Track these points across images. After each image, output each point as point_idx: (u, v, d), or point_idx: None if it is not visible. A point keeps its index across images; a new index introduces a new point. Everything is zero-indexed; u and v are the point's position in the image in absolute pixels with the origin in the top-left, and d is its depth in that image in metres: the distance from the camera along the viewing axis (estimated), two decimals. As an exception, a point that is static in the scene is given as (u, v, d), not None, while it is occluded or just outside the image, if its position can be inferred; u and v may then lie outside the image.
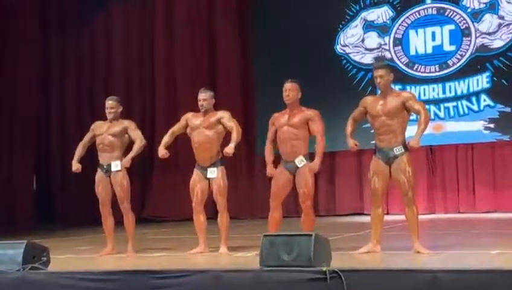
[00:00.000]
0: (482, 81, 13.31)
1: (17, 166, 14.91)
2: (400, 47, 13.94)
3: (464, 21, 13.53)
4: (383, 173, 6.96)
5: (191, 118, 8.02)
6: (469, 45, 13.46)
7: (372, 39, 14.14)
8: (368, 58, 14.05)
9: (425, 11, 13.84)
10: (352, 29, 14.27)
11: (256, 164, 14.34)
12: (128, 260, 7.68)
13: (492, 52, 13.29)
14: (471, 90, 13.38)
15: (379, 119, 6.98)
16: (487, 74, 13.27)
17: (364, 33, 14.18)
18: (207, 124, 7.87)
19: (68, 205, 15.64)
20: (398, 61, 13.86)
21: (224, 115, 7.92)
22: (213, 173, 7.83)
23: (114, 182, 8.03)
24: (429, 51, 13.78)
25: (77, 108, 15.81)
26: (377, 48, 14.10)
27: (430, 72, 13.70)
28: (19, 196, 14.87)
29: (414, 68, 13.78)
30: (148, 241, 9.55)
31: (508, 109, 13.06)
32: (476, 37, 13.43)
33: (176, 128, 8.09)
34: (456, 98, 13.48)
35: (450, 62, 13.57)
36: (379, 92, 7.18)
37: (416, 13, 13.87)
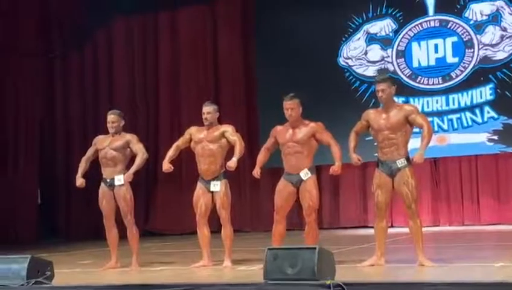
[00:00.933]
0: (485, 93, 13.32)
1: (21, 180, 14.92)
2: (402, 59, 13.96)
3: (467, 33, 13.55)
4: (386, 186, 6.96)
5: (194, 132, 8.04)
6: (472, 57, 13.47)
7: (375, 52, 14.16)
8: (370, 71, 14.07)
9: (428, 23, 13.86)
10: (355, 41, 14.30)
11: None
12: (132, 273, 7.67)
13: (496, 64, 13.30)
14: (474, 102, 13.38)
15: (382, 133, 6.98)
16: (490, 85, 13.28)
17: (367, 46, 14.21)
18: (211, 138, 7.89)
19: (72, 219, 15.64)
20: (401, 74, 13.87)
21: (227, 129, 7.94)
22: (216, 186, 7.84)
23: (117, 196, 8.04)
24: (432, 63, 13.79)
25: (81, 122, 15.82)
26: (380, 61, 14.12)
27: (433, 84, 13.71)
28: (23, 210, 14.86)
29: (417, 80, 13.80)
30: (152, 255, 9.54)
31: (511, 121, 13.05)
32: (479, 49, 13.44)
33: (180, 142, 8.11)
34: (460, 110, 13.48)
35: (453, 74, 13.58)
36: (381, 104, 7.18)
37: (419, 25, 13.90)
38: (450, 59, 13.66)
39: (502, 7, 13.38)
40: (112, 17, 15.90)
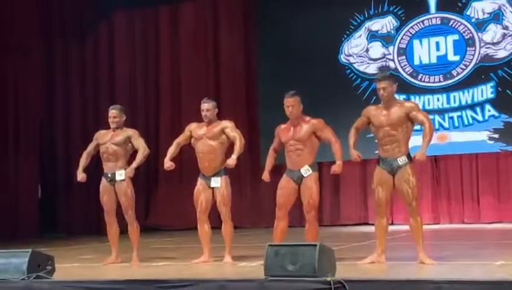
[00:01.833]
0: (486, 91, 13.32)
1: (21, 175, 14.93)
2: (404, 57, 13.97)
3: (468, 31, 13.55)
4: (386, 183, 6.96)
5: (194, 129, 8.04)
6: (473, 55, 13.48)
7: (376, 49, 14.16)
8: (372, 68, 14.07)
9: (430, 21, 13.86)
10: (356, 39, 14.30)
11: (260, 173, 14.09)
12: (133, 268, 7.69)
13: (497, 62, 13.31)
14: (475, 100, 13.39)
15: (382, 129, 6.98)
16: (491, 84, 13.29)
17: (369, 43, 14.21)
18: (211, 134, 7.89)
19: (73, 214, 15.65)
20: (402, 71, 13.88)
21: (227, 125, 7.94)
22: (217, 182, 7.84)
23: (118, 191, 8.04)
24: (433, 60, 13.80)
25: (82, 117, 15.83)
26: (381, 58, 14.12)
27: (434, 82, 13.71)
28: (24, 205, 14.87)
29: (418, 78, 13.80)
30: (153, 251, 9.56)
31: (512, 119, 13.07)
32: (480, 47, 13.45)
33: (181, 139, 8.11)
34: (461, 108, 13.49)
35: (454, 72, 13.58)
36: (382, 102, 7.17)
37: (421, 23, 13.90)
38: (451, 57, 13.66)
39: (503, 5, 13.39)
40: (113, 12, 15.89)
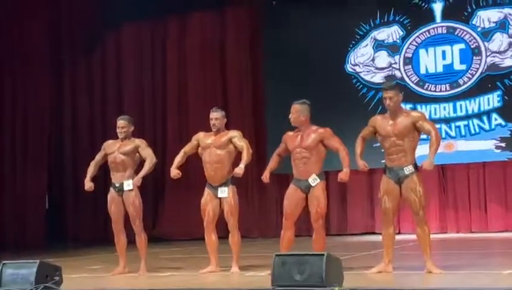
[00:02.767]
0: (493, 100, 13.32)
1: (29, 185, 14.98)
2: (410, 66, 13.98)
3: (474, 40, 13.55)
4: (393, 193, 6.96)
5: (202, 138, 8.06)
6: (479, 64, 13.48)
7: (383, 58, 14.17)
8: (378, 78, 14.08)
9: (436, 30, 13.88)
10: (363, 48, 14.31)
11: (267, 183, 14.32)
12: (141, 279, 7.69)
13: (503, 71, 13.30)
14: (482, 109, 13.38)
15: (389, 139, 6.98)
16: (498, 92, 13.28)
17: (375, 52, 14.22)
18: (218, 144, 7.90)
19: (80, 224, 15.68)
20: (408, 80, 13.88)
21: (235, 134, 7.96)
22: (224, 192, 7.85)
23: (126, 201, 8.06)
24: (440, 70, 13.80)
25: (90, 128, 15.89)
26: (387, 67, 14.13)
27: (440, 91, 13.71)
28: (32, 215, 14.92)
29: (425, 87, 13.80)
30: (160, 261, 9.56)
31: (519, 128, 13.06)
32: (486, 56, 13.45)
33: (188, 148, 8.13)
34: (467, 117, 13.48)
35: (460, 81, 13.58)
36: (388, 111, 7.17)
37: (426, 32, 13.91)
38: (458, 66, 13.67)
39: (509, 14, 13.39)
40: (120, 24, 15.96)
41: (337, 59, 14.30)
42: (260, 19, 15.17)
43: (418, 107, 13.28)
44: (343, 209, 14.46)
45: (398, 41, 14.10)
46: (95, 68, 16.19)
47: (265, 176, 7.56)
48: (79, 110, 16.10)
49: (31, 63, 14.94)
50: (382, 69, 14.17)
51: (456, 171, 13.80)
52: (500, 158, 13.24)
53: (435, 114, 13.55)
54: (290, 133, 7.54)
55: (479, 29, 13.55)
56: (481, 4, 13.53)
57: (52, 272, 6.39)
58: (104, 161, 8.32)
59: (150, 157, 8.08)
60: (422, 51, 13.93)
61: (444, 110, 13.62)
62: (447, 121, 13.56)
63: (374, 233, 13.44)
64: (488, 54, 13.44)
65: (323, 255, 5.50)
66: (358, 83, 14.25)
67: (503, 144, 13.16)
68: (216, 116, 7.97)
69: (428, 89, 13.78)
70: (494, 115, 13.27)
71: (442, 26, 13.83)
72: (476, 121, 13.41)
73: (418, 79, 13.88)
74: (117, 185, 8.10)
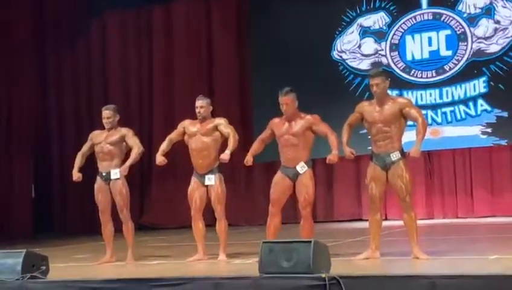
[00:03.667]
0: (478, 86, 13.35)
1: (15, 175, 14.91)
2: (396, 52, 13.98)
3: (460, 26, 13.57)
4: (380, 179, 6.97)
5: (188, 125, 8.04)
6: (465, 50, 13.49)
7: (369, 45, 14.16)
8: (364, 64, 14.08)
9: (422, 16, 13.88)
10: (349, 35, 14.30)
11: (254, 171, 14.35)
12: (128, 267, 7.69)
13: (489, 56, 13.32)
14: (468, 95, 13.41)
15: (376, 125, 6.98)
16: (484, 78, 13.31)
17: (361, 39, 14.21)
18: (204, 131, 7.89)
19: (67, 214, 15.64)
20: (394, 67, 13.89)
21: (221, 122, 7.94)
22: (211, 180, 7.84)
23: (113, 190, 8.04)
24: (426, 56, 13.81)
25: (76, 117, 15.81)
26: (374, 54, 14.12)
27: (426, 77, 13.73)
28: (17, 205, 14.86)
29: (411, 73, 13.81)
30: (147, 249, 9.56)
31: (505, 114, 13.07)
32: (472, 42, 13.46)
33: (173, 135, 8.11)
34: (453, 103, 13.50)
35: (446, 67, 13.60)
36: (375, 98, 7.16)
37: (413, 18, 13.91)
38: (444, 52, 13.68)
39: (495, 0, 13.39)
40: (105, 12, 15.86)
41: (323, 46, 14.28)
42: (246, 6, 15.12)
43: (405, 93, 13.29)
44: (330, 196, 14.49)
45: (384, 27, 14.09)
46: (80, 56, 16.08)
47: (248, 160, 7.54)
48: (64, 99, 16.02)
49: (14, 51, 14.82)
50: (368, 55, 14.16)
51: (442, 157, 13.85)
52: (486, 144, 13.29)
53: (421, 100, 13.57)
54: (277, 120, 7.53)
55: (465, 15, 13.56)
56: (467, -10, 13.55)
57: (38, 261, 6.37)
58: (91, 151, 8.31)
59: (136, 146, 8.07)
60: (408, 38, 13.92)
61: (430, 96, 13.64)
62: (433, 107, 13.58)
63: (360, 220, 13.48)
64: (474, 39, 13.45)
65: (310, 242, 5.50)
66: (345, 70, 14.24)
67: (489, 130, 13.20)
68: (201, 104, 7.95)
69: (415, 75, 13.79)
70: (480, 101, 13.30)
71: (428, 13, 13.83)
72: (462, 107, 13.44)
73: (404, 65, 13.89)
74: (104, 173, 8.08)
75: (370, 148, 7.14)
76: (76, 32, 15.97)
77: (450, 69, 13.56)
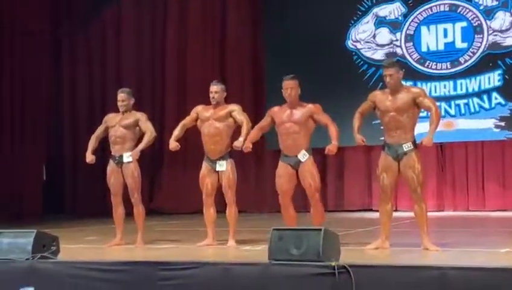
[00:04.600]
0: (493, 79, 13.27)
1: (27, 156, 14.96)
2: (411, 43, 13.91)
3: (476, 18, 13.48)
4: (391, 169, 6.94)
5: (201, 111, 8.03)
6: (481, 42, 13.41)
7: (384, 35, 14.10)
8: (379, 54, 14.02)
9: (438, 7, 13.80)
10: (364, 24, 14.24)
11: (265, 158, 14.36)
12: (137, 251, 7.71)
13: (505, 50, 13.25)
14: (482, 87, 13.34)
15: (388, 114, 6.94)
16: (499, 71, 13.24)
17: (376, 29, 14.15)
18: (217, 117, 7.88)
19: (77, 196, 15.70)
20: (409, 58, 13.83)
21: (235, 108, 7.93)
22: (222, 166, 7.84)
23: (125, 173, 8.06)
24: (441, 47, 13.74)
25: (88, 99, 15.84)
26: (388, 44, 14.06)
27: (441, 69, 13.66)
28: (29, 186, 14.92)
29: (425, 65, 13.75)
30: (157, 233, 9.58)
31: (519, 107, 13.03)
32: (488, 35, 13.38)
33: (187, 121, 8.10)
34: (467, 95, 13.44)
35: (461, 59, 13.53)
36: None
37: (429, 9, 13.83)
38: (459, 44, 13.61)
39: (512, -7, 13.31)
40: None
41: (338, 35, 14.23)
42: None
43: (419, 84, 13.19)
44: (340, 186, 14.48)
45: (399, 18, 14.02)
46: (94, 41, 16.09)
47: (247, 146, 7.54)
48: (78, 83, 16.04)
49: (29, 36, 14.85)
50: (383, 46, 14.11)
51: (455, 150, 13.80)
52: (499, 137, 13.23)
53: (435, 92, 13.51)
54: (276, 108, 7.56)
55: (481, 7, 13.47)
56: (484, -18, 13.46)
57: (49, 241, 6.40)
58: (105, 134, 8.32)
59: (149, 131, 8.07)
60: (423, 28, 13.86)
61: (444, 88, 13.58)
62: (447, 99, 13.53)
63: (371, 210, 13.46)
64: (489, 32, 13.37)
65: (320, 230, 5.50)
66: (359, 60, 14.19)
67: (502, 123, 13.14)
68: (216, 89, 7.94)
69: (429, 66, 13.73)
70: (494, 94, 13.23)
71: (444, 4, 13.75)
72: (476, 100, 13.37)
73: (419, 56, 13.82)
74: (117, 157, 8.10)
75: (382, 139, 7.11)
76: (90, 15, 15.97)
77: (465, 61, 13.48)
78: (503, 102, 13.17)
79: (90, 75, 16.03)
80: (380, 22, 14.13)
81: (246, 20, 15.26)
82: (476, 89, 13.37)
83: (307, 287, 5.28)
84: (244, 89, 14.88)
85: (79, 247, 8.03)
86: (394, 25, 14.05)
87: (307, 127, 7.36)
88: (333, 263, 5.25)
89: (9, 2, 14.60)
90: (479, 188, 13.51)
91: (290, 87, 7.38)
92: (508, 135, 13.14)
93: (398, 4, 14.03)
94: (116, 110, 8.26)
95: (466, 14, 13.56)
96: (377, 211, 7.28)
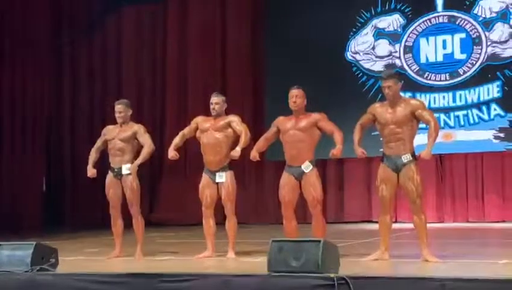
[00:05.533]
0: (492, 90, 13.29)
1: (27, 167, 14.96)
2: (410, 55, 13.94)
3: (475, 30, 13.51)
4: (390, 181, 6.95)
5: (201, 122, 8.05)
6: (480, 54, 13.44)
7: (383, 47, 14.13)
8: (378, 66, 14.04)
9: (437, 19, 13.83)
10: (363, 36, 14.27)
11: (265, 169, 14.35)
12: (137, 263, 7.69)
13: (504, 61, 13.26)
14: (481, 99, 13.36)
15: (388, 127, 6.96)
16: (498, 83, 13.25)
17: (375, 40, 14.18)
18: (217, 127, 7.89)
19: (77, 208, 15.68)
20: (408, 69, 13.85)
21: (234, 119, 7.94)
22: (222, 177, 7.84)
23: (124, 185, 8.05)
24: (440, 59, 13.76)
25: (89, 111, 15.85)
26: (388, 56, 14.09)
27: (440, 80, 13.68)
28: (29, 198, 14.91)
29: (424, 76, 13.77)
30: (156, 245, 9.57)
31: (518, 119, 13.04)
32: (487, 46, 13.41)
33: (186, 131, 8.12)
34: (467, 106, 13.45)
35: (460, 71, 13.55)
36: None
37: (428, 21, 13.87)
38: (458, 55, 13.63)
39: (511, 4, 13.34)
40: (121, 6, 15.90)
41: (337, 46, 14.26)
42: (262, 3, 15.11)
43: (418, 96, 13.25)
44: (340, 197, 14.47)
45: (398, 29, 14.05)
46: (95, 51, 16.13)
47: (255, 155, 7.57)
48: (79, 93, 16.05)
49: (30, 45, 14.89)
50: (382, 57, 14.13)
51: (454, 161, 13.80)
52: (499, 149, 13.23)
53: (434, 103, 13.52)
54: (281, 118, 7.60)
55: (480, 18, 13.51)
56: (483, -7, 13.50)
57: (48, 254, 6.39)
58: (104, 146, 8.32)
59: (147, 145, 8.06)
60: (422, 40, 13.89)
61: (443, 99, 13.60)
62: (446, 110, 13.54)
63: (370, 221, 13.44)
64: (488, 43, 13.40)
65: (319, 241, 5.50)
66: (358, 71, 14.22)
67: (501, 134, 13.14)
68: (216, 100, 7.95)
69: (428, 78, 13.75)
70: (494, 106, 13.25)
71: (443, 15, 13.79)
72: (475, 111, 13.39)
73: (418, 68, 13.85)
74: (115, 169, 8.09)
75: (381, 150, 7.12)
76: (91, 26, 16.02)
77: (464, 72, 13.51)
78: (502, 113, 13.18)
79: (90, 86, 16.04)
80: (379, 34, 14.16)
81: (246, 29, 15.29)
82: (475, 101, 13.39)
83: (307, 298, 5.28)
84: (244, 99, 14.89)
85: (78, 259, 8.01)
86: (393, 37, 14.08)
87: (312, 137, 7.37)
88: (332, 275, 5.25)
89: (10, 12, 14.64)
90: (479, 199, 13.50)
91: (295, 95, 7.42)
92: (508, 146, 13.14)
93: (397, 16, 14.06)
94: (116, 122, 8.26)
95: (465, 25, 13.60)
96: (377, 222, 7.28)
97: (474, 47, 13.48)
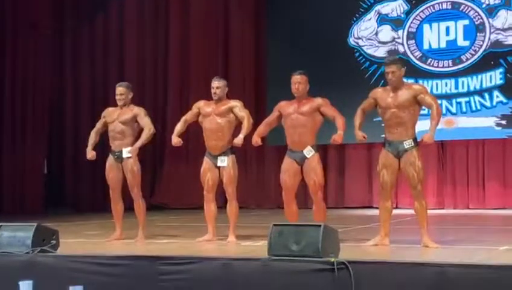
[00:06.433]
0: (495, 77, 13.27)
1: (29, 150, 14.96)
2: (413, 41, 13.91)
3: (479, 16, 13.47)
4: (392, 166, 6.94)
5: (202, 106, 8.03)
6: (483, 41, 13.41)
7: (386, 32, 14.10)
8: (381, 52, 14.02)
9: (440, 5, 13.79)
10: (366, 22, 14.24)
11: (266, 154, 14.37)
12: (137, 245, 7.71)
13: (506, 48, 13.25)
14: (484, 86, 13.34)
15: (389, 111, 6.94)
16: (500, 70, 13.23)
17: (378, 26, 14.15)
18: (219, 112, 7.87)
19: (78, 190, 15.70)
20: (411, 55, 13.82)
21: (236, 104, 7.92)
22: (223, 161, 7.83)
23: (125, 168, 8.05)
24: (443, 45, 13.74)
25: (91, 93, 15.83)
26: (391, 42, 14.06)
27: (443, 66, 13.66)
28: (30, 179, 14.92)
29: (427, 62, 13.75)
30: (158, 228, 9.59)
31: (520, 106, 13.03)
32: (490, 33, 13.37)
33: (188, 116, 8.10)
34: (469, 93, 13.44)
35: (463, 57, 13.52)
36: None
37: (431, 7, 13.82)
38: (461, 42, 13.60)
39: (515, -9, 13.30)
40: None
41: (340, 32, 14.24)
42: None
43: (420, 82, 13.19)
44: (341, 183, 14.50)
45: (402, 15, 14.01)
46: (97, 35, 16.09)
47: (257, 141, 7.55)
48: (80, 75, 16.03)
49: (32, 25, 14.84)
50: (385, 43, 14.11)
51: (456, 148, 13.80)
52: (500, 136, 13.24)
53: (437, 90, 13.51)
54: (283, 102, 7.57)
55: (483, 5, 13.47)
56: (487, -20, 13.45)
57: (49, 235, 6.41)
58: (104, 128, 8.28)
59: (147, 128, 8.04)
60: (426, 26, 13.85)
61: (445, 86, 13.58)
62: (449, 97, 13.53)
63: (371, 207, 13.47)
64: (492, 30, 13.36)
65: (320, 226, 5.51)
66: (361, 57, 14.20)
67: (503, 122, 13.14)
68: (218, 84, 7.93)
69: (431, 64, 13.73)
70: (496, 92, 13.23)
71: (447, 2, 13.74)
72: (477, 98, 13.37)
73: (420, 54, 13.82)
74: (116, 152, 8.08)
75: (383, 136, 7.11)
76: (94, 10, 15.97)
77: (467, 59, 13.48)
78: (504, 100, 13.17)
79: (92, 69, 16.01)
80: (382, 20, 14.12)
81: (248, 17, 15.26)
82: (478, 87, 13.37)
83: (306, 282, 5.29)
84: (245, 84, 14.89)
85: (79, 241, 8.04)
86: (396, 23, 14.04)
87: (314, 121, 7.35)
88: (332, 259, 5.26)
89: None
90: (480, 186, 13.52)
91: (298, 82, 7.39)
92: (509, 134, 13.14)
93: (400, 2, 14.03)
94: (116, 104, 8.23)
95: (468, 12, 13.55)
96: (378, 208, 7.28)
97: (478, 34, 13.45)
